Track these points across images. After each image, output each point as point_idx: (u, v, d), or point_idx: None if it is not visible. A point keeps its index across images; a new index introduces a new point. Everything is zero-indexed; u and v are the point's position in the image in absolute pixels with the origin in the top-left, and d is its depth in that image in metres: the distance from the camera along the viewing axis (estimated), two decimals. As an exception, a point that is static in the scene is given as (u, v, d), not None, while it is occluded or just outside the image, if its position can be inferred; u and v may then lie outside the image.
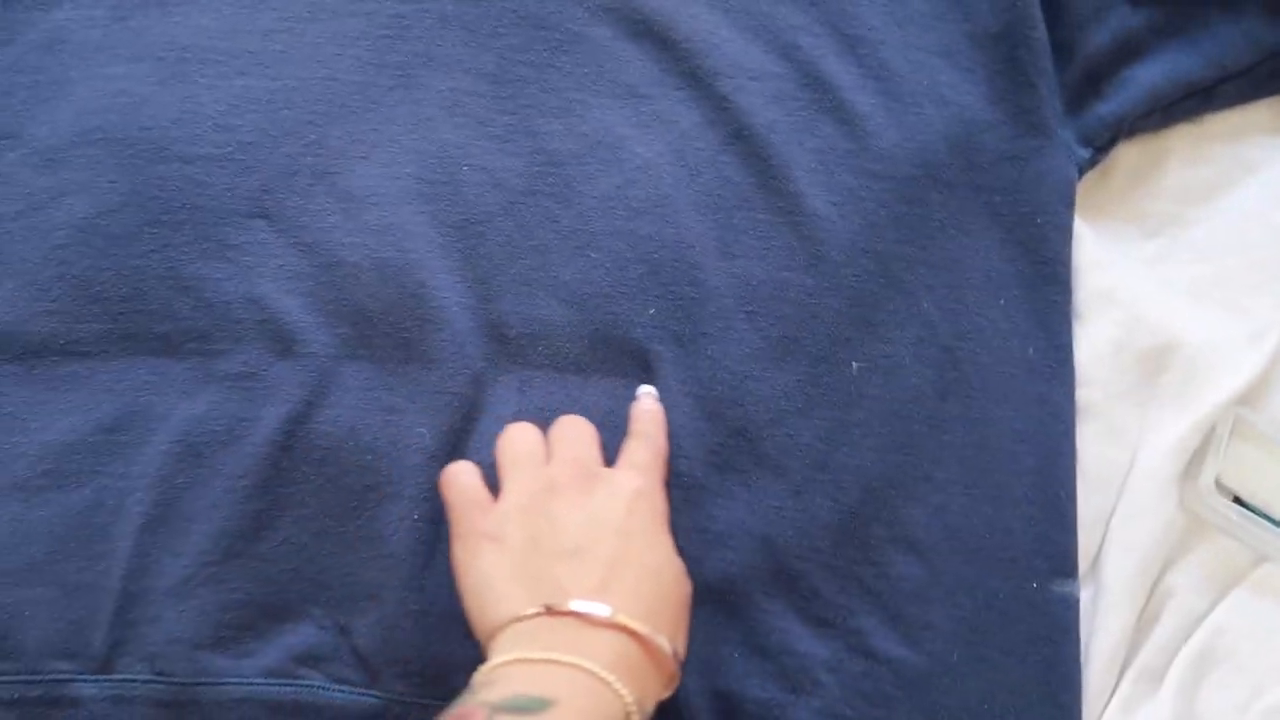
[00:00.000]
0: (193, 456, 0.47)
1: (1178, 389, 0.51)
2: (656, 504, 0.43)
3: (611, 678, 0.36)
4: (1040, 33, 0.54)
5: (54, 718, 0.44)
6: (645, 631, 0.38)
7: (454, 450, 0.48)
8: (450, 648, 0.45)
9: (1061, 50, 0.55)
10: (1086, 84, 0.55)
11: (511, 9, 0.55)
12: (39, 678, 0.45)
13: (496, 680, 0.36)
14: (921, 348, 0.51)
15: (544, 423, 0.48)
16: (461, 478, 0.43)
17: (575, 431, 0.45)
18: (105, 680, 0.45)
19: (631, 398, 0.49)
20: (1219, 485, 0.50)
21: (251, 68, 0.54)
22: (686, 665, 0.45)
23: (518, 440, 0.44)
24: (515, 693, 0.35)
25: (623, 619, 0.38)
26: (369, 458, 0.48)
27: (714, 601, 0.47)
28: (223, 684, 0.45)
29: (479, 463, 0.46)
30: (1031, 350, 0.51)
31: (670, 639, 0.39)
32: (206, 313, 0.50)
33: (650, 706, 0.38)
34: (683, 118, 0.53)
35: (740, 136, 0.53)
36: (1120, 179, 0.56)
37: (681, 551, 0.46)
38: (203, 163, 0.52)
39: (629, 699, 0.36)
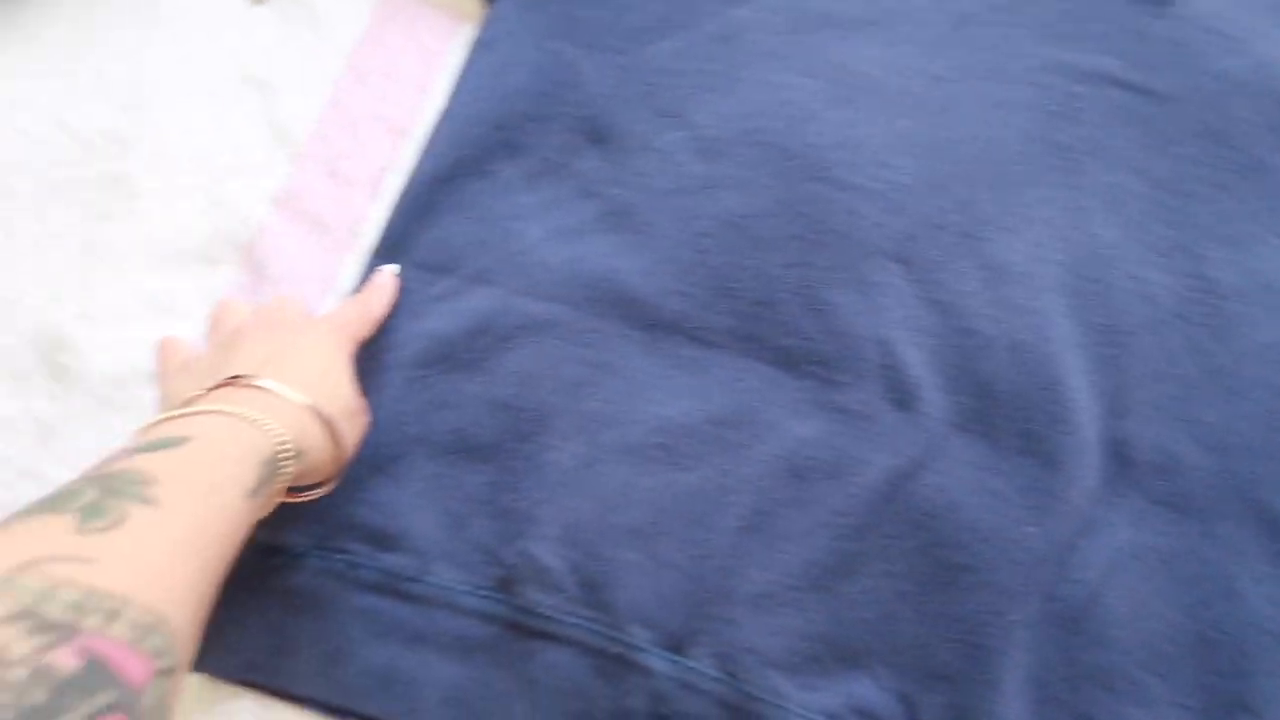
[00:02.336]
0: (795, 477, 0.48)
1: None
2: (338, 342, 0.46)
3: (258, 416, 0.38)
4: None
5: (625, 679, 0.46)
6: (293, 396, 0.41)
7: (1060, 562, 0.46)
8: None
9: None
10: None
11: (1196, 116, 0.53)
12: (620, 636, 0.47)
13: (144, 433, 0.37)
14: None
15: (1152, 564, 0.46)
16: (169, 344, 0.49)
17: (281, 301, 0.48)
18: (677, 661, 0.46)
19: (1263, 561, 0.46)
20: None
21: (914, 111, 0.54)
22: None
23: (226, 309, 0.49)
24: (155, 436, 0.36)
25: (273, 385, 0.40)
26: (967, 537, 0.47)
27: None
28: (785, 709, 0.46)
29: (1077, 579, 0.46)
30: None
31: (329, 414, 0.42)
32: (832, 340, 0.50)
33: (314, 455, 0.42)
34: (1370, 283, 0.49)
35: None
36: None
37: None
38: (856, 193, 0.52)
39: (274, 430, 0.38)
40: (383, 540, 0.49)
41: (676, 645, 0.47)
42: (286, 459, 0.39)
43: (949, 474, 0.48)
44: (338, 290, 0.55)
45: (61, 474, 0.51)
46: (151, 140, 0.58)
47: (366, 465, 0.49)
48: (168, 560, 0.32)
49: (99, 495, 0.32)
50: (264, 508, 0.39)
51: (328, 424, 0.42)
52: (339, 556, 0.48)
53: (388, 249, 0.54)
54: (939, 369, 0.50)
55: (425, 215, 0.55)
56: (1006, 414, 0.49)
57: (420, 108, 0.59)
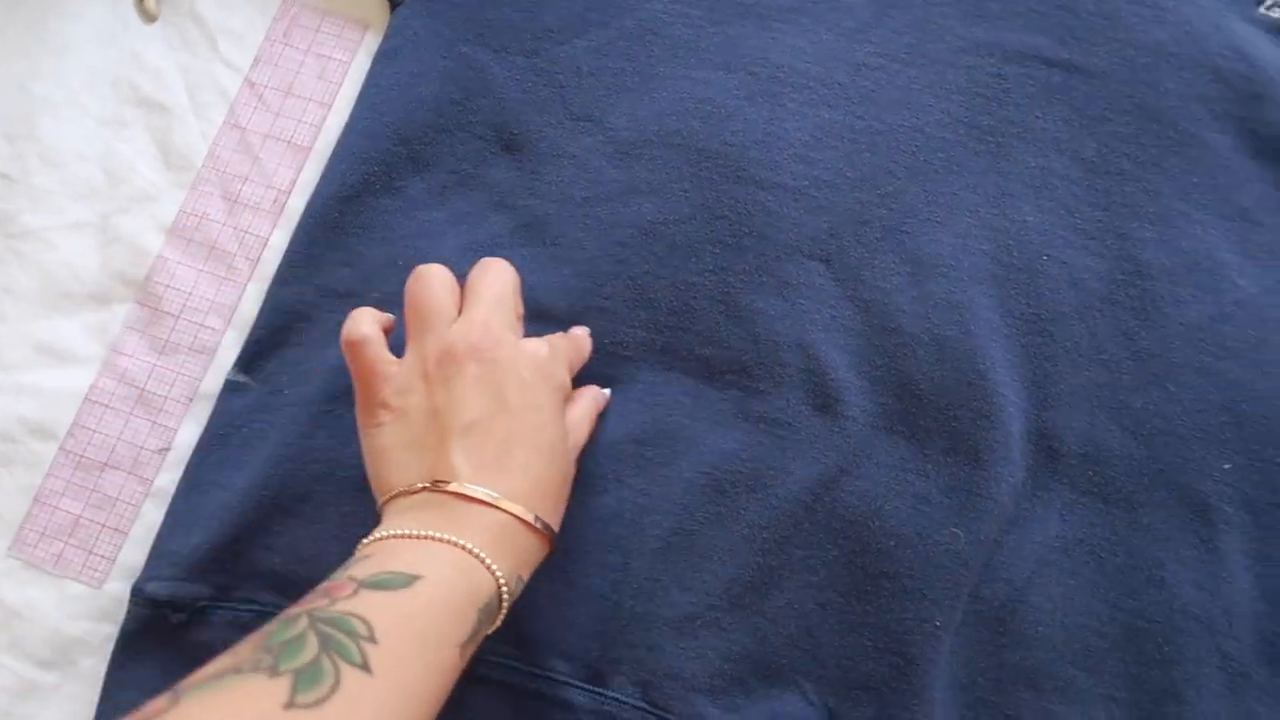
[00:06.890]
0: (716, 492, 0.58)
1: None
2: (556, 378, 0.53)
3: (484, 554, 0.46)
4: None
5: (548, 716, 0.56)
6: (526, 516, 0.48)
7: (986, 563, 0.56)
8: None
9: None
10: None
11: (1126, 94, 0.63)
12: (538, 671, 0.56)
13: (372, 554, 0.45)
14: None
15: (1079, 557, 0.56)
16: (367, 349, 0.52)
17: (494, 280, 0.54)
18: (597, 693, 0.56)
19: (1189, 546, 0.56)
20: None
21: (838, 101, 0.65)
22: None
23: (429, 291, 0.53)
24: (384, 569, 0.44)
25: (505, 504, 0.48)
26: (891, 543, 0.57)
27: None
28: (710, 732, 0.56)
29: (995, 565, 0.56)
30: None
31: (550, 514, 0.50)
32: (753, 347, 0.60)
33: (527, 574, 0.50)
34: (1300, 256, 0.60)
35: (1367, 293, 0.58)
36: None
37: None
38: (777, 192, 0.63)
39: (500, 574, 0.46)
40: (292, 588, 0.57)
41: (597, 676, 0.56)
42: (506, 599, 0.47)
43: (872, 479, 0.58)
44: (239, 322, 0.66)
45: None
46: (37, 174, 0.69)
47: (271, 507, 0.59)
48: None
49: (318, 651, 0.39)
50: (472, 650, 0.46)
51: (551, 537, 0.51)
52: (246, 608, 0.58)
53: (290, 275, 0.65)
54: (862, 370, 0.60)
55: (329, 237, 0.65)
56: (931, 413, 0.59)
57: (324, 124, 0.70)
